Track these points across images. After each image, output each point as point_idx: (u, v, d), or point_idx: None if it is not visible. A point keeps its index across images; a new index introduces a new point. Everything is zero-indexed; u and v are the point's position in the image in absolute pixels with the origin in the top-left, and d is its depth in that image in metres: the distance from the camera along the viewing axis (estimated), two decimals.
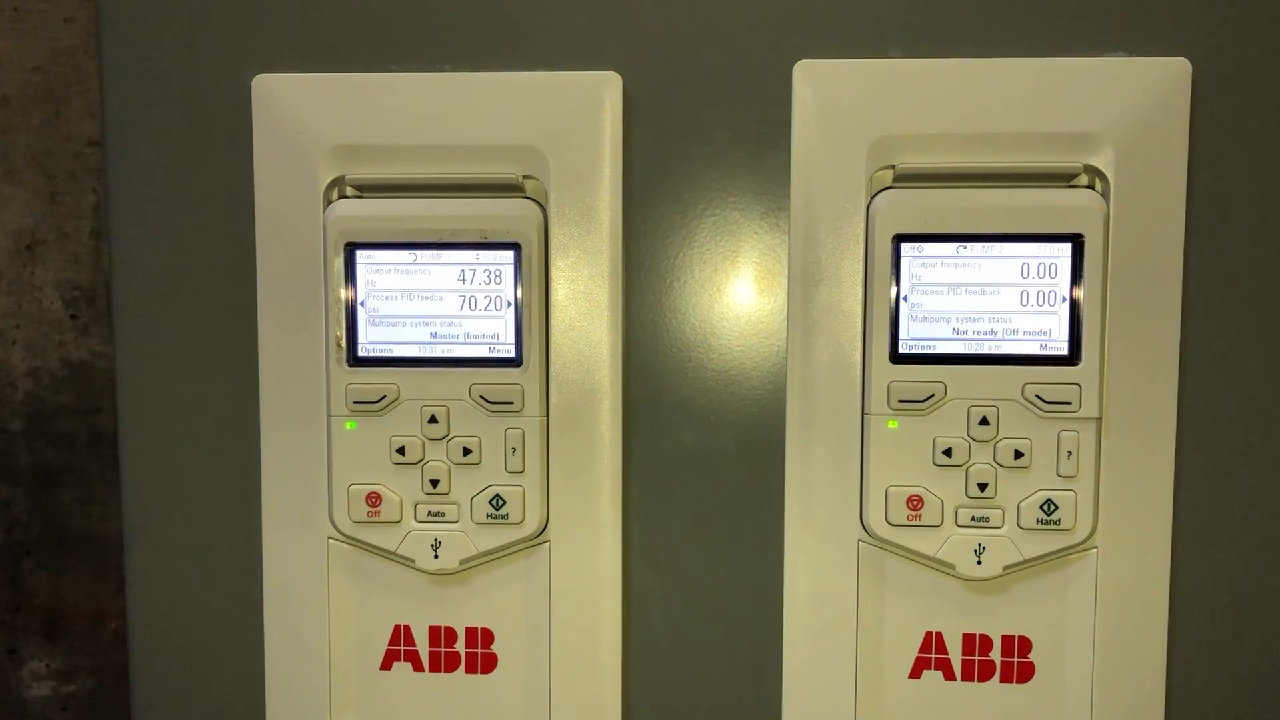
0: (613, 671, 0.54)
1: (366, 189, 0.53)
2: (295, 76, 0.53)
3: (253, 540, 0.55)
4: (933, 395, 0.50)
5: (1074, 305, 0.50)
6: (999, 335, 0.50)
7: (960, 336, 0.50)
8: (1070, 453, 0.50)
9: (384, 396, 0.52)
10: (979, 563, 0.51)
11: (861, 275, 0.51)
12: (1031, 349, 0.50)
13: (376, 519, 0.52)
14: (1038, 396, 0.50)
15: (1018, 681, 0.52)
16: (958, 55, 0.51)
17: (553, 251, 0.52)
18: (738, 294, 0.53)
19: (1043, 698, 0.52)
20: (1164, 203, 0.50)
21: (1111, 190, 0.50)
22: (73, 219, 0.91)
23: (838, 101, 0.51)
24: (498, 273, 0.52)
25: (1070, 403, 0.49)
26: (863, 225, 0.51)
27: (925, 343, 0.50)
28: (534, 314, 0.52)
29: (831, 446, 0.52)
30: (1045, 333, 0.50)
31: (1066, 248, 0.50)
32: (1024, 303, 0.50)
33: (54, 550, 0.95)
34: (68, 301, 0.92)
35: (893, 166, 0.51)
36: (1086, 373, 0.49)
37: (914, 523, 0.51)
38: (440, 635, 0.54)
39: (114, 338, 0.55)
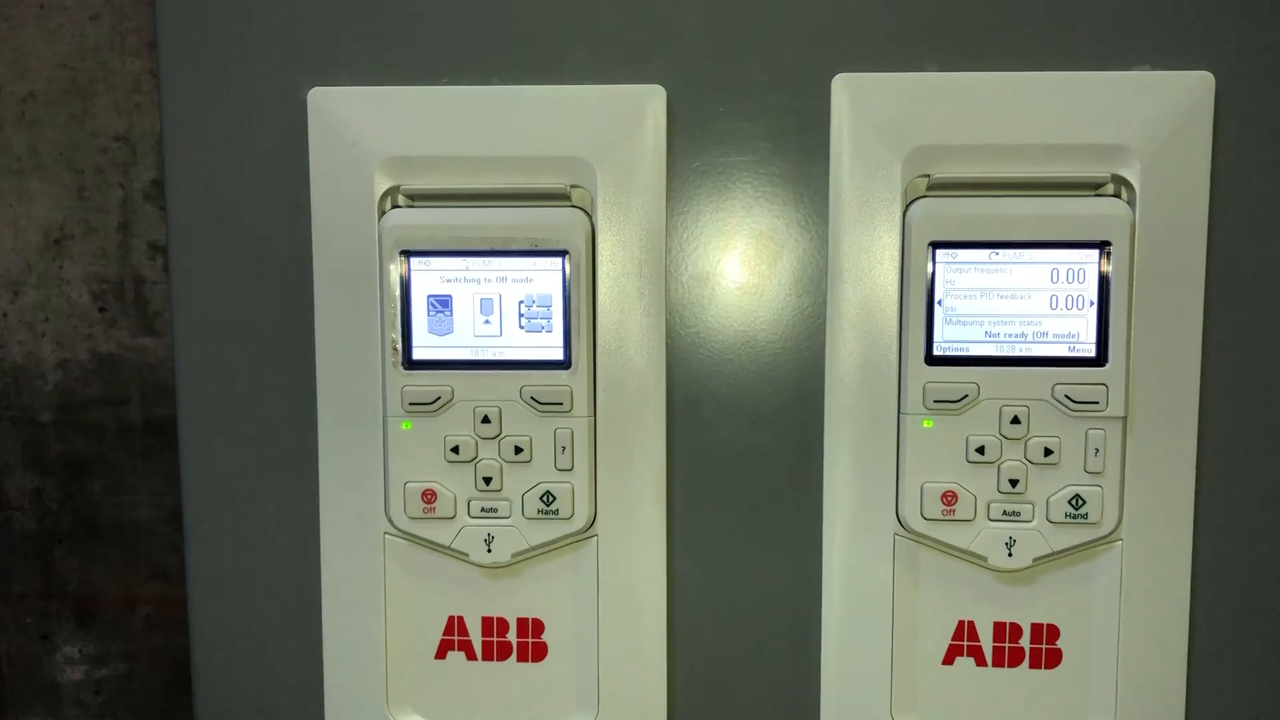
0: (657, 658, 0.56)
1: (419, 198, 0.54)
2: (350, 90, 0.54)
3: (311, 536, 0.57)
4: (966, 396, 0.52)
5: (1101, 309, 0.52)
6: (1029, 338, 0.52)
7: (992, 339, 0.52)
8: (1097, 450, 0.52)
9: (438, 398, 0.54)
10: (1010, 555, 0.53)
11: (897, 280, 0.53)
12: (1060, 351, 0.52)
13: (432, 515, 0.54)
14: (1066, 396, 0.52)
15: (1046, 667, 0.55)
16: (990, 69, 0.53)
17: (599, 257, 0.54)
18: (777, 298, 0.55)
19: (1070, 682, 0.55)
20: (1188, 210, 0.52)
21: (1137, 198, 0.52)
22: (99, 214, 0.92)
23: (875, 113, 0.53)
24: (546, 279, 0.54)
25: (1098, 402, 0.52)
26: (899, 232, 0.53)
27: (959, 345, 0.53)
28: (582, 318, 0.54)
29: (868, 445, 0.54)
30: (1074, 335, 0.52)
31: (1094, 254, 0.52)
32: (1053, 307, 0.52)
33: (85, 538, 0.96)
34: (96, 295, 0.93)
35: (927, 176, 0.53)
36: (1113, 374, 0.52)
37: (948, 517, 0.53)
38: (493, 625, 0.56)
39: (174, 343, 0.56)
